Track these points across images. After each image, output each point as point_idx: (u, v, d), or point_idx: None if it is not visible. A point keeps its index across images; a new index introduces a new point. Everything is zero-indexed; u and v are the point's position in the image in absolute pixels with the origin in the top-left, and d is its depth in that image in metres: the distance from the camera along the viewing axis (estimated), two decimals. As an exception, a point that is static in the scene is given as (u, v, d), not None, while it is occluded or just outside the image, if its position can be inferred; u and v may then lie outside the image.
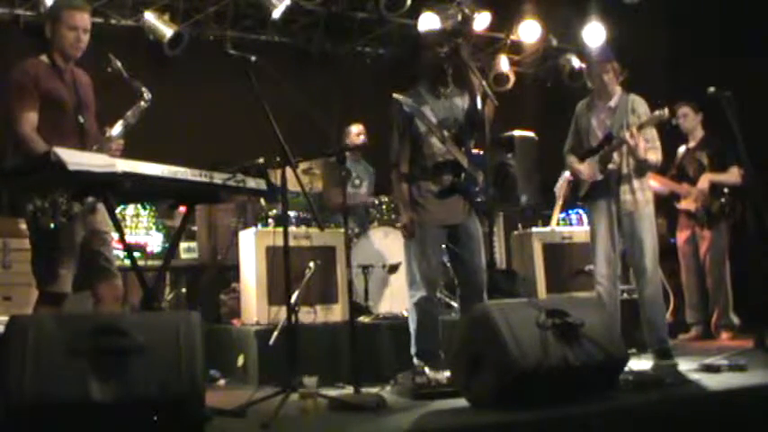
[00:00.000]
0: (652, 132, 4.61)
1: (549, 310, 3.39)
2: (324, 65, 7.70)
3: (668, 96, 4.90)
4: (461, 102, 4.39)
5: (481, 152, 4.38)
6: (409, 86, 4.47)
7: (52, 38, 3.68)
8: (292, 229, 5.06)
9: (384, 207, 5.86)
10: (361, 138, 6.16)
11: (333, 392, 3.81)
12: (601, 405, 3.27)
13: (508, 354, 3.20)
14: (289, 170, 3.78)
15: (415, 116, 4.27)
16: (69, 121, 3.64)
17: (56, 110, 3.60)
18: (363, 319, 5.11)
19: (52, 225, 3.21)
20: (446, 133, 4.29)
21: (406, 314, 4.40)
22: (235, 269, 5.53)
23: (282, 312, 4.20)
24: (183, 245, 5.95)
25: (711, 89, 4.66)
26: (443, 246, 4.36)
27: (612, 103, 4.68)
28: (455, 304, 5.07)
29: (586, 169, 4.68)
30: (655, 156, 4.58)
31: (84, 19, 3.71)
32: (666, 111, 4.51)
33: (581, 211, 6.37)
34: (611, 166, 4.59)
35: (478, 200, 4.30)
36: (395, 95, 4.27)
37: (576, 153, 4.81)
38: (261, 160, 4.41)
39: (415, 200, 4.33)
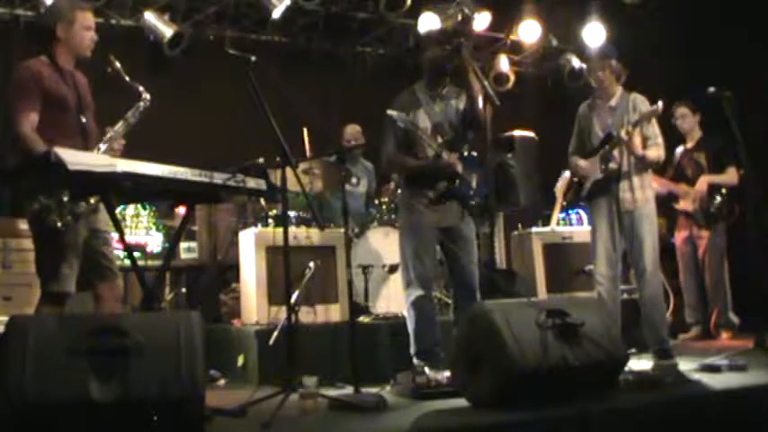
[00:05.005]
0: (654, 129, 4.61)
1: (549, 310, 3.39)
2: (324, 65, 7.70)
3: (668, 96, 4.89)
4: (457, 103, 4.40)
5: (475, 154, 4.39)
6: (407, 86, 4.49)
7: (66, 39, 3.67)
8: (292, 229, 5.06)
9: (384, 207, 5.86)
10: (358, 139, 6.17)
11: (333, 392, 3.81)
12: (601, 405, 3.27)
13: (508, 354, 3.20)
14: (289, 170, 3.78)
15: (409, 129, 4.27)
16: (72, 121, 3.65)
17: (59, 110, 3.60)
18: (363, 319, 5.11)
19: (59, 224, 3.21)
20: (440, 139, 4.30)
21: (405, 314, 4.40)
22: (235, 269, 5.53)
23: (282, 312, 4.20)
24: (183, 245, 5.95)
25: (711, 89, 4.67)
26: (438, 246, 4.37)
27: (613, 103, 4.68)
28: (454, 304, 5.07)
29: (587, 165, 4.67)
30: (656, 152, 4.58)
31: (92, 18, 3.77)
32: (660, 105, 4.51)
33: (581, 211, 6.38)
34: (611, 164, 4.60)
35: (473, 202, 4.31)
36: (389, 111, 4.28)
37: (579, 154, 4.81)
38: (261, 160, 4.42)
39: (408, 202, 4.35)
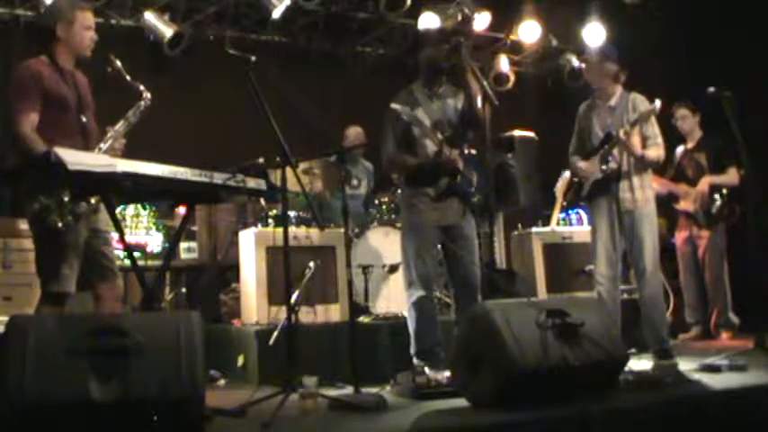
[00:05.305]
0: (653, 129, 4.61)
1: (549, 310, 3.39)
2: (324, 65, 7.70)
3: (668, 96, 4.89)
4: (454, 102, 4.40)
5: (473, 152, 4.39)
6: (404, 86, 4.49)
7: (66, 39, 3.67)
8: (292, 229, 5.06)
9: (384, 207, 5.86)
10: (360, 140, 6.17)
11: (333, 392, 3.81)
12: (601, 405, 3.27)
13: (508, 354, 3.20)
14: (289, 170, 3.78)
15: (411, 123, 4.28)
16: (72, 121, 3.64)
17: (59, 109, 3.60)
18: (363, 319, 5.11)
19: (60, 224, 3.21)
20: (440, 136, 4.30)
21: (405, 314, 4.41)
22: (235, 269, 5.52)
23: (282, 312, 4.20)
24: (183, 245, 5.95)
25: (711, 89, 4.67)
26: (439, 245, 4.37)
27: (613, 102, 4.69)
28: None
29: (587, 166, 4.68)
30: (655, 152, 4.58)
31: (92, 18, 3.77)
32: (657, 104, 4.51)
33: (581, 211, 6.37)
34: (611, 164, 4.60)
35: (474, 200, 4.31)
36: (392, 105, 4.28)
37: (579, 154, 4.81)
38: (261, 160, 4.41)
39: (409, 201, 4.35)
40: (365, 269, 5.32)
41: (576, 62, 8.21)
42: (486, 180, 4.35)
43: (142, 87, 3.80)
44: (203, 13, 7.00)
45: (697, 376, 3.98)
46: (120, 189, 3.32)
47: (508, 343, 3.22)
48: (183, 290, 6.16)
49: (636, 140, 4.51)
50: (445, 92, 4.44)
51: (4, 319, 3.07)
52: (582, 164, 4.72)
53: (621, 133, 4.48)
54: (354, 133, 6.32)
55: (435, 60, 4.37)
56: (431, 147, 4.31)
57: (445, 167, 4.27)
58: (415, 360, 4.24)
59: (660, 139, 4.62)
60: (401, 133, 4.35)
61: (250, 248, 5.14)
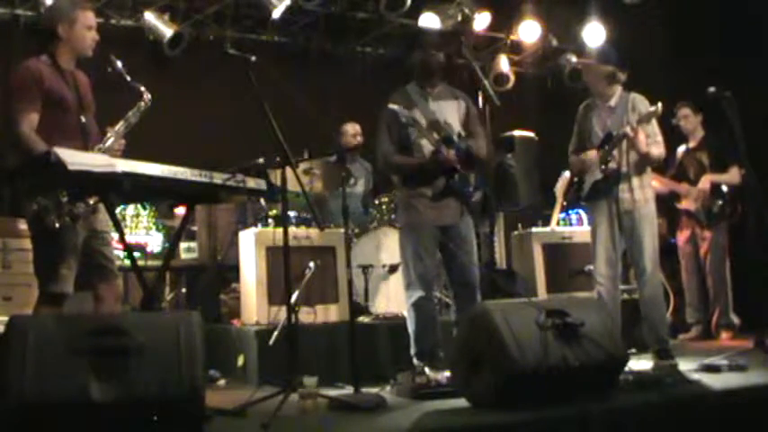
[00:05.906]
0: (654, 128, 4.61)
1: (549, 310, 3.39)
2: (324, 65, 7.70)
3: (668, 96, 4.88)
4: (450, 103, 4.40)
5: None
6: (399, 86, 4.49)
7: (68, 39, 3.67)
8: (292, 229, 5.06)
9: (383, 207, 5.85)
10: (358, 138, 6.16)
11: (333, 392, 3.81)
12: (601, 405, 3.27)
13: (508, 354, 3.20)
14: (289, 170, 3.78)
15: (409, 124, 4.27)
16: (72, 121, 3.64)
17: (59, 109, 3.60)
18: (363, 319, 5.11)
19: (57, 225, 3.21)
20: (436, 136, 4.29)
21: (405, 314, 4.41)
22: (235, 269, 5.53)
23: (282, 312, 4.20)
24: (183, 245, 5.96)
25: (711, 89, 4.67)
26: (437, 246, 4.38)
27: (612, 103, 4.69)
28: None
29: (591, 155, 4.65)
30: (657, 150, 4.59)
31: (94, 18, 3.78)
32: (659, 106, 4.52)
33: (581, 211, 6.38)
34: (610, 164, 4.59)
35: (472, 200, 4.31)
36: (390, 105, 4.28)
37: (579, 154, 4.81)
38: (261, 160, 4.41)
39: (408, 202, 4.34)
40: (365, 269, 5.31)
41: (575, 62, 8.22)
42: (484, 178, 4.35)
43: (142, 88, 3.80)
44: (203, 13, 7.01)
45: (697, 376, 3.98)
46: (119, 189, 3.32)
47: (508, 343, 3.22)
48: (183, 290, 6.16)
49: (642, 137, 4.50)
50: (442, 92, 4.43)
51: (4, 319, 3.07)
52: (583, 154, 4.69)
53: (629, 129, 4.47)
54: (352, 129, 6.31)
55: (428, 64, 4.37)
56: (427, 147, 4.30)
57: (442, 167, 4.26)
58: (415, 360, 4.23)
59: (660, 138, 4.63)
60: (398, 134, 4.34)
61: (250, 248, 5.14)
